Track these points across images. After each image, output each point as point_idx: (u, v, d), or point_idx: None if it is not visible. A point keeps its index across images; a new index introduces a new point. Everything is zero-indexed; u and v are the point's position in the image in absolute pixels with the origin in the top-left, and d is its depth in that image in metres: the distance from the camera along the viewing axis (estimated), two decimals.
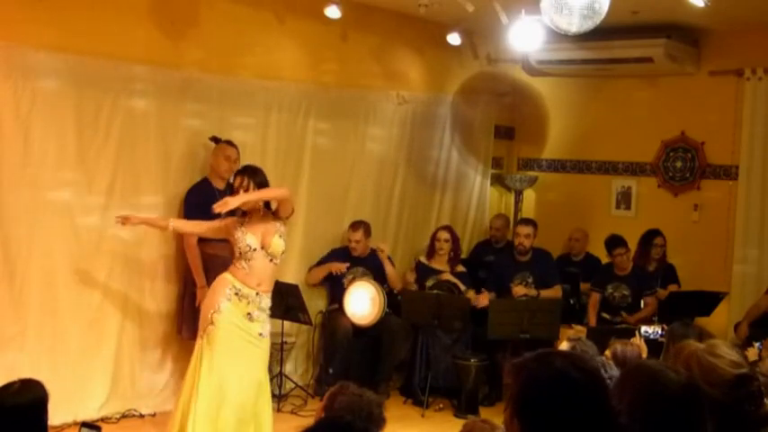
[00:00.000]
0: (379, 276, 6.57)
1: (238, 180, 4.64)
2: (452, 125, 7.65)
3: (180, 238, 5.53)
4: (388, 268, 6.64)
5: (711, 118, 6.97)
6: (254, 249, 4.55)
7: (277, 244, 4.61)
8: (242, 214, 4.64)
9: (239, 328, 4.51)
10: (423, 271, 6.84)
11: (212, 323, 4.48)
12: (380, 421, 3.01)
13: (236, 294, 4.52)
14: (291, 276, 6.30)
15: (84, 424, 3.02)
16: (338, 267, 6.46)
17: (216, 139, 5.70)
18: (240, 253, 4.56)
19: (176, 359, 5.79)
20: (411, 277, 6.83)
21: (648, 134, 7.33)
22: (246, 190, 4.57)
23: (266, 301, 4.64)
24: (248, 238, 4.55)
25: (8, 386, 2.78)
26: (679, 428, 2.15)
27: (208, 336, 4.48)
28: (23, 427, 2.74)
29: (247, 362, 4.53)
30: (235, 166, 5.74)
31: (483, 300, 6.54)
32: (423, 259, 6.94)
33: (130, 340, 5.59)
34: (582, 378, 1.87)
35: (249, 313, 4.54)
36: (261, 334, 4.58)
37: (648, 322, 6.29)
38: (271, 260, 4.62)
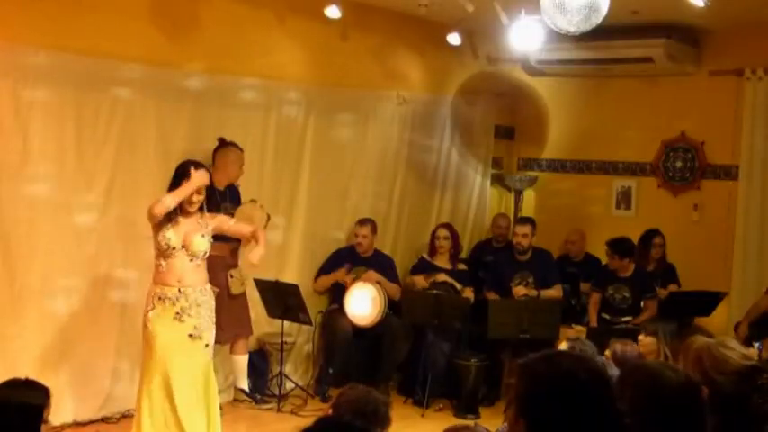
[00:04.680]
0: (381, 276, 6.58)
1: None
2: (452, 125, 7.65)
3: None
4: (388, 287, 6.56)
5: (711, 118, 6.97)
6: (173, 248, 4.43)
7: (199, 243, 4.50)
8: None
9: (170, 330, 4.42)
10: (425, 267, 6.86)
11: (146, 326, 4.47)
12: (386, 421, 3.01)
13: (159, 299, 4.43)
14: (291, 276, 6.29)
15: None
16: (343, 277, 6.46)
17: (222, 141, 5.70)
18: (159, 250, 4.45)
19: None
20: (421, 283, 6.80)
21: (648, 134, 7.33)
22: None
23: (195, 296, 4.50)
24: (169, 235, 4.42)
25: (10, 382, 2.78)
26: (678, 427, 2.16)
27: (145, 338, 4.50)
28: (14, 427, 2.73)
29: (183, 360, 4.46)
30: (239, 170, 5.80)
31: (490, 295, 6.63)
32: (425, 256, 6.96)
33: (131, 340, 5.57)
34: (589, 379, 1.88)
35: (177, 313, 4.43)
36: (190, 335, 4.46)
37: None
38: (191, 260, 4.49)
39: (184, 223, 4.50)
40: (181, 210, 4.49)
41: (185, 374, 4.46)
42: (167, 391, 4.42)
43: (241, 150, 5.75)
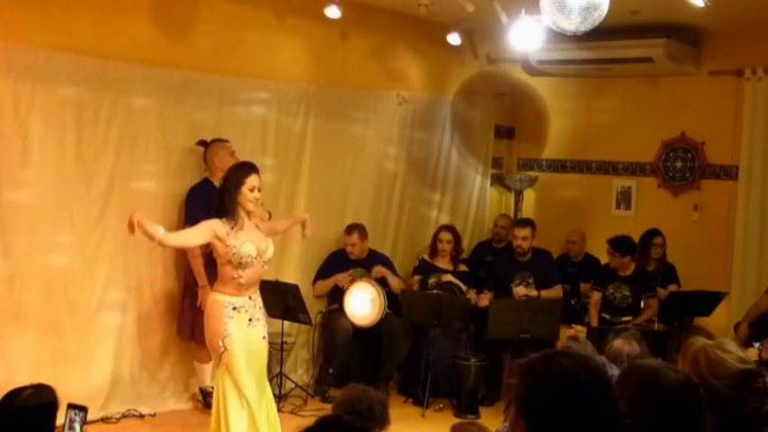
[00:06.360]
0: (377, 279, 6.58)
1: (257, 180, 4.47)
2: (452, 125, 7.65)
3: None
4: (391, 281, 6.60)
5: (711, 118, 6.97)
6: (254, 257, 4.34)
7: (271, 250, 4.49)
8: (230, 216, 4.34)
9: (246, 342, 4.36)
10: (426, 268, 6.86)
11: (226, 349, 4.27)
12: (382, 420, 3.00)
13: (234, 309, 4.35)
14: (291, 276, 6.29)
15: (71, 405, 3.03)
16: (343, 280, 6.44)
17: (203, 143, 5.69)
18: (239, 263, 4.30)
19: (176, 359, 5.80)
20: (415, 283, 6.82)
21: (648, 134, 7.33)
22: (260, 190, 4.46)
23: (258, 300, 4.52)
24: (247, 246, 4.31)
25: (20, 390, 2.79)
26: (678, 427, 2.15)
27: (226, 364, 4.29)
28: (28, 430, 2.75)
29: (258, 369, 4.45)
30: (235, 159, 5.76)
31: (484, 300, 6.54)
32: (426, 257, 6.95)
33: (130, 340, 5.59)
34: (589, 378, 1.87)
35: (250, 319, 4.41)
36: (264, 337, 4.49)
37: (649, 324, 6.30)
38: (263, 266, 4.46)
39: (248, 230, 4.39)
40: (239, 211, 4.38)
41: (258, 377, 4.43)
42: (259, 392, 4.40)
43: (225, 141, 5.68)
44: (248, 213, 4.43)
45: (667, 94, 7.24)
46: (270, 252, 4.49)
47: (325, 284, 6.58)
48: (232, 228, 4.31)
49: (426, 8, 6.17)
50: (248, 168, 4.46)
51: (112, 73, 5.33)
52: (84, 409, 3.00)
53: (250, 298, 4.44)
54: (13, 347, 5.03)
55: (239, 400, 4.29)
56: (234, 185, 4.36)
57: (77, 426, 3.00)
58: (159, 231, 4.09)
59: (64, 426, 3.03)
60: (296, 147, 6.43)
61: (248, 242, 4.33)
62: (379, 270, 6.56)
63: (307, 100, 6.45)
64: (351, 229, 6.61)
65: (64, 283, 5.26)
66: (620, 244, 6.47)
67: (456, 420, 5.89)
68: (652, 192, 7.38)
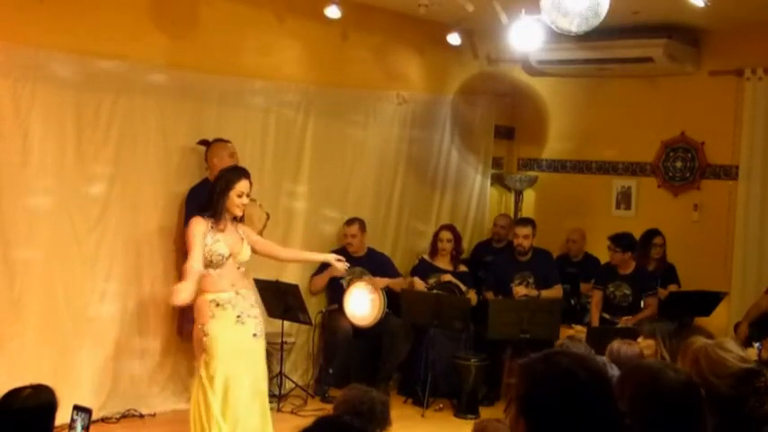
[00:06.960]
0: (377, 276, 6.57)
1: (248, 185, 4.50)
2: (452, 125, 7.65)
3: (181, 239, 5.52)
4: (393, 285, 6.59)
5: (711, 118, 6.97)
6: (226, 257, 4.36)
7: (246, 252, 4.47)
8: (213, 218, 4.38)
9: (233, 340, 4.35)
10: (426, 268, 6.86)
11: (204, 350, 4.32)
12: (384, 421, 3.00)
13: (218, 306, 4.35)
14: (291, 277, 6.29)
15: (76, 406, 3.03)
16: (338, 271, 6.42)
17: (205, 142, 5.69)
18: (210, 261, 4.32)
19: (176, 359, 5.79)
20: (421, 286, 6.81)
21: (648, 134, 7.33)
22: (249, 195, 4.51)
23: (250, 297, 4.51)
24: (219, 245, 4.34)
25: (19, 390, 2.79)
26: (678, 427, 2.15)
27: (204, 363, 4.32)
28: (27, 430, 2.75)
29: (246, 361, 4.43)
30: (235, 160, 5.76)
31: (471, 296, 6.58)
32: (426, 257, 6.95)
33: (130, 340, 5.59)
34: (589, 378, 1.87)
35: (238, 316, 4.38)
36: (255, 335, 4.46)
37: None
38: (238, 267, 4.46)
39: (228, 232, 4.41)
40: (225, 214, 4.41)
41: (248, 374, 4.43)
42: (225, 392, 4.36)
43: (227, 141, 5.69)
44: (234, 218, 4.45)
45: (667, 94, 7.24)
46: (244, 255, 4.47)
47: (321, 278, 6.56)
48: (211, 227, 4.35)
49: (426, 8, 6.17)
50: (239, 174, 4.50)
51: (112, 73, 5.33)
52: (88, 411, 3.00)
53: (237, 293, 4.41)
54: (13, 347, 5.03)
55: (215, 391, 4.30)
56: (223, 189, 4.41)
57: (79, 426, 3.00)
58: (197, 271, 4.23)
59: (69, 427, 3.03)
60: (296, 147, 6.43)
61: (222, 242, 4.36)
62: (375, 282, 6.45)
63: (307, 100, 6.45)
64: (351, 221, 6.64)
65: (64, 283, 5.25)
66: (621, 240, 6.49)
67: (455, 421, 5.92)
68: (652, 192, 7.38)
